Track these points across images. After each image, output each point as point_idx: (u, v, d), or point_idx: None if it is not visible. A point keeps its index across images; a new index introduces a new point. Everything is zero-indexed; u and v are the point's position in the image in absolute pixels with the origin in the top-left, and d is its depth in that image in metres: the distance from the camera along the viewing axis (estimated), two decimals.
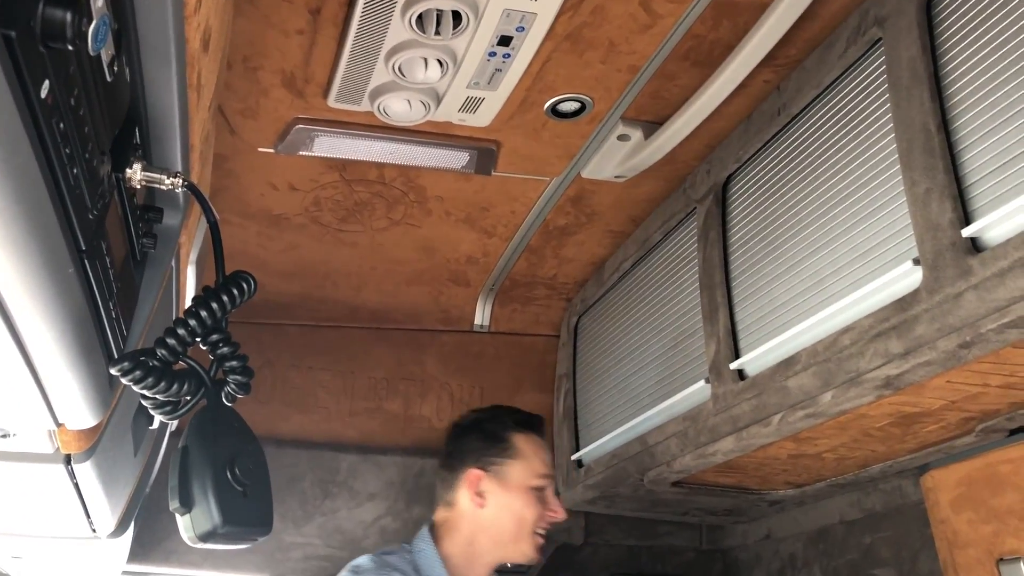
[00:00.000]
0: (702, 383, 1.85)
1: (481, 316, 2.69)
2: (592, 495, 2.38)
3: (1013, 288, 1.14)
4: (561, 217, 2.28)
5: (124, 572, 2.31)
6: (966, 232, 1.21)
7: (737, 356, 1.75)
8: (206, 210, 0.96)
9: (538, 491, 1.91)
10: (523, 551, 1.88)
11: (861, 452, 1.86)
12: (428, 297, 2.61)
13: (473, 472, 1.93)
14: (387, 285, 2.55)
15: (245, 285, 0.94)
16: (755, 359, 1.70)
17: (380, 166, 2.02)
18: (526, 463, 1.93)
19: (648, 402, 2.10)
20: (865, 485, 2.16)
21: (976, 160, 1.25)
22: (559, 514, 1.90)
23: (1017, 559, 1.65)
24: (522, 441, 1.96)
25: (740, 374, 1.75)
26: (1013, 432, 1.66)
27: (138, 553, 2.27)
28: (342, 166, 2.02)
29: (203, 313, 0.91)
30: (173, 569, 2.35)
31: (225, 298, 0.92)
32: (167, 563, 2.32)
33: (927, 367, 1.32)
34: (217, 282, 0.95)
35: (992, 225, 1.19)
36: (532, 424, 2.01)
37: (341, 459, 2.47)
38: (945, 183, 1.26)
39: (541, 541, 1.89)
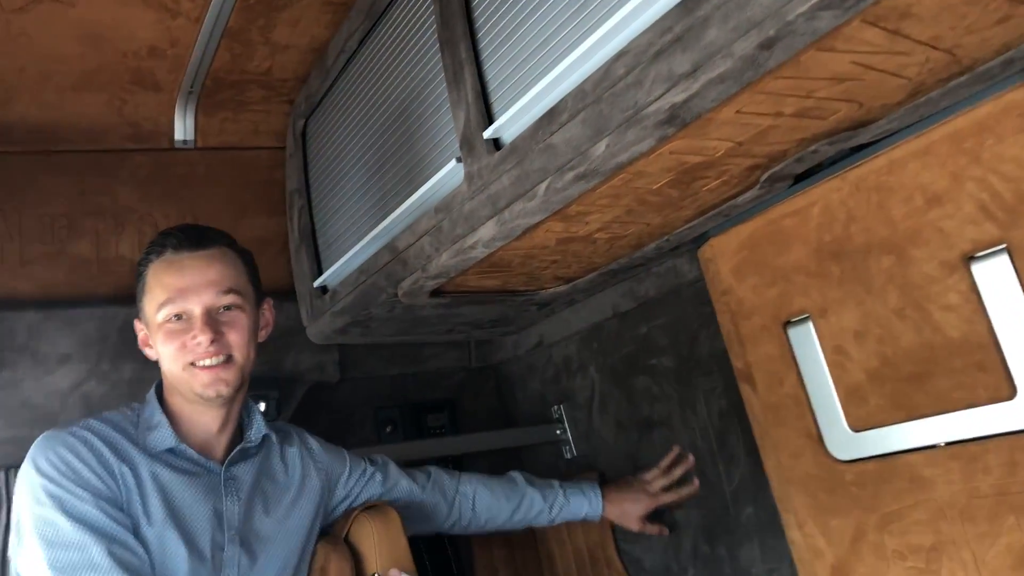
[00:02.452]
0: (453, 163, 1.53)
1: (183, 129, 2.17)
2: (342, 322, 2.04)
3: None
4: None
5: None
6: None
7: (491, 122, 1.43)
8: None
9: (176, 320, 1.57)
10: (192, 388, 1.59)
11: (635, 227, 1.64)
12: (108, 107, 2.06)
13: (135, 324, 1.67)
14: (47, 93, 1.97)
15: None
16: (512, 120, 1.38)
17: None
18: (151, 296, 1.59)
19: (395, 201, 1.76)
20: (637, 271, 1.97)
21: None
22: (197, 336, 1.55)
23: (805, 318, 1.51)
24: (151, 272, 1.60)
25: (496, 143, 1.44)
26: (799, 179, 1.48)
27: None
28: None
29: None
30: None
31: None
32: None
33: (720, 85, 1.05)
34: None
35: None
36: (163, 244, 1.61)
37: (17, 319, 1.94)
38: None
39: (206, 374, 1.57)
